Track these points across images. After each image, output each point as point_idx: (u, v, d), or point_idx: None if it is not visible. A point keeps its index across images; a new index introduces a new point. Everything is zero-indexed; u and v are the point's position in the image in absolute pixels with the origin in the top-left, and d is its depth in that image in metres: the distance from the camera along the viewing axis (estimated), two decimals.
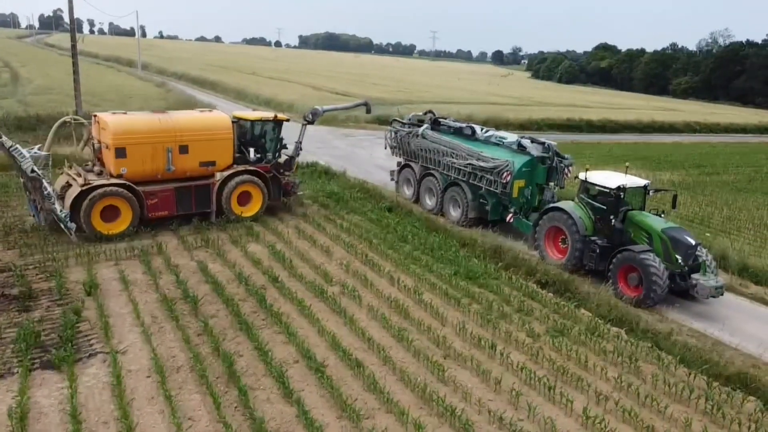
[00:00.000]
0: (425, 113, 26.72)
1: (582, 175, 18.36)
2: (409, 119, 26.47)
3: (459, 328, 13.63)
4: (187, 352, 12.13)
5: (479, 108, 61.73)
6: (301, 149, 23.68)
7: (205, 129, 20.23)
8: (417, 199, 25.33)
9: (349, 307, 14.49)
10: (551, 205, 19.26)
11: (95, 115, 19.65)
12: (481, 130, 23.37)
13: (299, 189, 23.18)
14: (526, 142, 21.22)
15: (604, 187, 17.67)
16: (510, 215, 21.21)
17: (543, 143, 21.05)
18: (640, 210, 17.96)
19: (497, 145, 22.22)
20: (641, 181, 18.00)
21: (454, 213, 23.15)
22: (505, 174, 20.52)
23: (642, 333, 14.09)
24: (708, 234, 21.54)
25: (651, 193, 18.15)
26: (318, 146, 37.98)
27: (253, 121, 21.80)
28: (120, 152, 18.48)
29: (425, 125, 24.95)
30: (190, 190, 20.03)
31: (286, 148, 23.39)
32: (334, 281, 16.05)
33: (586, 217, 18.16)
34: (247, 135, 22.01)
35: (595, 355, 12.99)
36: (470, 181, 22.05)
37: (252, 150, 21.64)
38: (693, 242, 16.41)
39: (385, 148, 27.19)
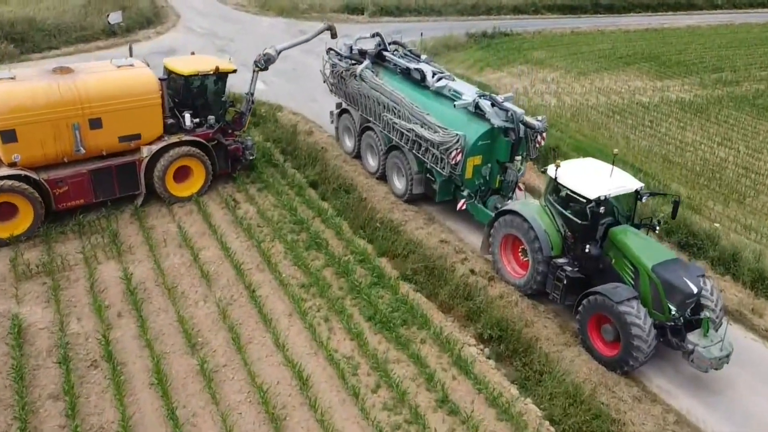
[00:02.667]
0: (372, 35, 20.76)
1: (551, 171, 13.27)
2: (351, 48, 20.54)
3: None
4: None
5: None
6: (253, 102, 18.76)
7: (123, 95, 15.55)
8: (358, 154, 20.29)
9: (194, 418, 10.27)
10: (508, 206, 14.35)
11: None
12: (433, 76, 17.68)
13: (253, 151, 18.57)
14: (485, 105, 15.70)
15: (579, 196, 12.70)
16: (461, 202, 16.31)
17: (507, 111, 15.58)
18: (627, 221, 13.17)
19: (450, 100, 16.76)
20: (632, 184, 12.93)
21: (398, 184, 18.23)
22: (454, 153, 15.37)
23: None
24: (717, 225, 16.78)
25: (645, 199, 13.15)
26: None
27: (187, 77, 16.71)
28: (7, 136, 14.29)
29: (366, 62, 19.19)
30: (111, 171, 15.88)
31: (233, 106, 18.69)
32: (198, 346, 11.73)
33: (553, 231, 13.36)
34: (181, 93, 17.17)
35: None
36: (414, 150, 16.92)
37: (188, 115, 16.89)
38: (694, 289, 11.78)
39: (324, 81, 21.57)
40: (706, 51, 40.50)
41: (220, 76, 17.31)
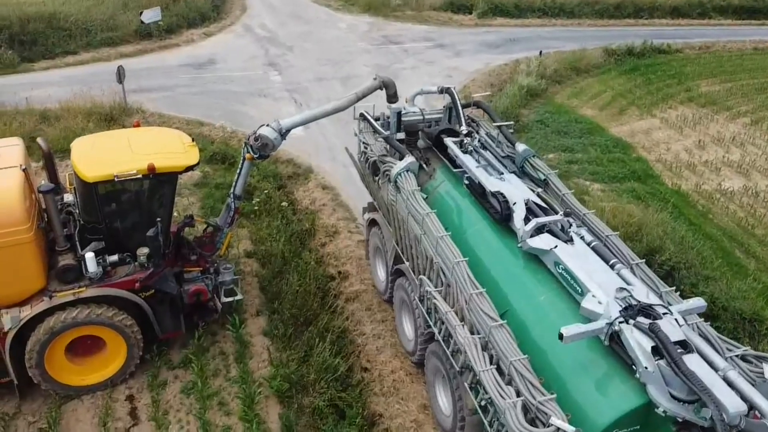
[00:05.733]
0: (440, 91, 11.73)
1: None
2: (398, 116, 11.55)
3: None
4: None
5: None
6: (237, 209, 10.64)
7: None
8: (392, 296, 11.72)
9: None
10: None
11: None
12: (528, 219, 8.55)
13: (236, 288, 10.97)
14: (638, 349, 6.39)
15: None
16: None
17: (695, 386, 6.23)
18: None
19: (558, 286, 7.76)
20: None
21: (443, 405, 9.49)
22: None
23: None
24: None
25: None
26: (323, 67, 23.47)
27: (93, 184, 9.01)
28: None
29: (407, 159, 10.32)
30: None
31: (192, 225, 10.79)
32: None
33: None
34: (89, 212, 9.68)
35: None
36: (467, 381, 8.12)
37: (90, 255, 9.24)
38: None
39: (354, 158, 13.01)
40: None
41: (162, 178, 9.43)
